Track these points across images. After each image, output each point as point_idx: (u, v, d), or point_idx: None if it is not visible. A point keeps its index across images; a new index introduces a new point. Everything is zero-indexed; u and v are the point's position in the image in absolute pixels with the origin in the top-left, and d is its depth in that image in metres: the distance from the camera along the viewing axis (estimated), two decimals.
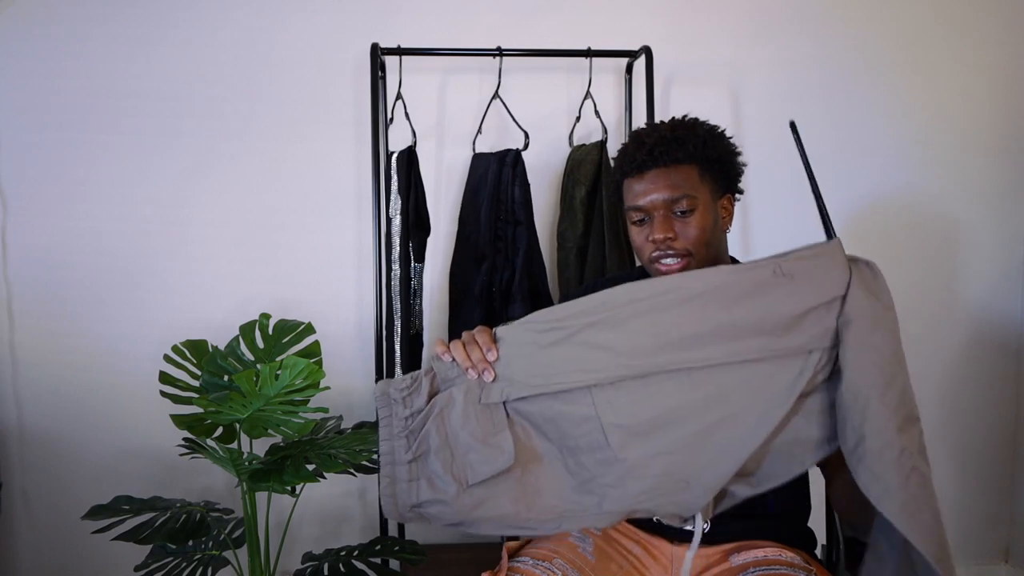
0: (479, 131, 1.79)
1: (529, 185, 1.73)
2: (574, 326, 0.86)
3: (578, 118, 1.82)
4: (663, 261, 1.10)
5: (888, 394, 0.78)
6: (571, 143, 1.84)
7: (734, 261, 1.22)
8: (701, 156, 1.11)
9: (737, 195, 1.20)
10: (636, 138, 1.16)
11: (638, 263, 1.75)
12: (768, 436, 0.83)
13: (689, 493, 0.86)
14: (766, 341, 0.82)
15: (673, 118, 1.17)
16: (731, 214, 1.18)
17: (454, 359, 0.90)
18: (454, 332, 1.80)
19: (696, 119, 1.17)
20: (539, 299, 1.75)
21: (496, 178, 1.73)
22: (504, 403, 0.90)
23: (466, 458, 0.88)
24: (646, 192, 1.11)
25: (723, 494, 0.89)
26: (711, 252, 1.11)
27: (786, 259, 0.84)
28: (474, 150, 1.81)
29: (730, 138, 1.17)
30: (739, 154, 1.18)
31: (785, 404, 0.82)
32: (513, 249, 1.73)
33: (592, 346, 0.85)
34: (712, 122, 1.17)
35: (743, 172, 1.19)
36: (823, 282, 0.82)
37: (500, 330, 0.91)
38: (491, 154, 1.77)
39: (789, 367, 0.82)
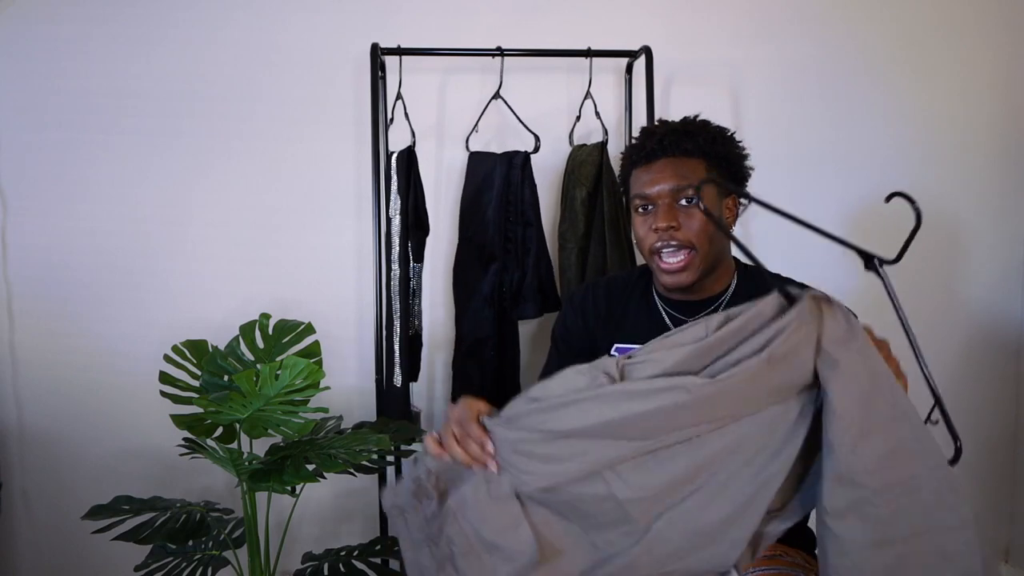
0: (475, 129, 1.79)
1: (536, 186, 1.74)
2: (563, 428, 0.82)
3: (578, 118, 1.82)
4: (664, 254, 1.10)
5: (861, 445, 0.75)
6: (571, 143, 1.85)
7: (737, 264, 1.22)
8: (710, 151, 1.12)
9: (743, 200, 1.19)
10: (646, 131, 1.17)
11: (639, 261, 1.75)
12: (788, 474, 0.80)
13: (716, 548, 0.82)
14: (772, 398, 0.80)
15: (684, 116, 1.18)
16: (735, 216, 1.18)
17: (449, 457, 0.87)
18: (460, 333, 1.80)
19: (707, 120, 1.17)
20: (547, 299, 1.75)
21: (504, 179, 1.73)
22: (516, 495, 0.85)
23: (492, 558, 0.84)
24: (653, 181, 1.11)
25: (758, 538, 0.84)
26: (714, 249, 1.12)
27: (778, 341, 0.78)
28: (468, 149, 1.81)
29: (739, 141, 1.17)
30: (747, 157, 1.18)
31: (798, 438, 0.79)
32: (523, 250, 1.73)
33: (590, 437, 0.81)
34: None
35: (749, 176, 1.19)
36: (806, 348, 0.79)
37: (488, 423, 0.86)
38: (495, 154, 1.77)
39: (794, 405, 0.80)
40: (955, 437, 0.84)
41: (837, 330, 0.79)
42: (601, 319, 1.23)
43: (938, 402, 0.87)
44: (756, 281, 1.18)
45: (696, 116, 1.18)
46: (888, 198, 0.86)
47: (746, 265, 1.23)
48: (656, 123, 1.19)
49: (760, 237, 1.99)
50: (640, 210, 1.14)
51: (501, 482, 0.84)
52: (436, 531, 0.87)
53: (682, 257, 1.10)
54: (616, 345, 1.20)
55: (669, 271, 1.11)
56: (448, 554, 0.86)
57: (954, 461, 0.83)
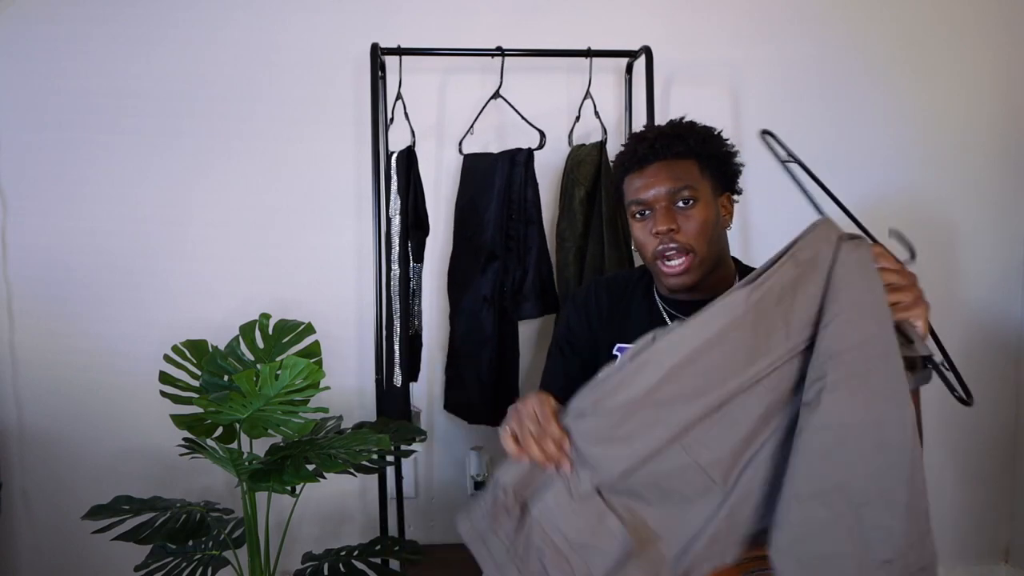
0: (469, 131, 1.79)
1: (538, 184, 1.74)
2: (631, 398, 0.84)
3: (577, 118, 1.82)
4: (667, 258, 1.11)
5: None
6: (570, 143, 1.84)
7: (736, 263, 1.23)
8: (701, 151, 1.13)
9: (736, 195, 1.21)
10: (636, 136, 1.18)
11: (637, 261, 1.75)
12: None
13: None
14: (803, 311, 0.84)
15: (671, 120, 1.19)
16: (731, 213, 1.19)
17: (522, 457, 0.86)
18: (455, 333, 1.80)
19: (693, 121, 1.18)
20: (548, 298, 1.75)
21: (507, 178, 1.73)
22: (598, 490, 0.86)
23: (584, 559, 0.84)
24: (648, 185, 1.12)
25: None
26: (713, 250, 1.12)
27: (797, 247, 0.86)
28: (461, 151, 1.82)
29: (727, 139, 1.18)
30: (736, 153, 1.19)
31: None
32: (525, 248, 1.73)
33: (659, 404, 0.83)
34: (709, 124, 1.19)
35: (741, 172, 1.20)
36: (820, 259, 0.85)
37: (564, 420, 0.87)
38: (494, 154, 1.77)
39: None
40: (963, 386, 0.89)
41: (849, 256, 0.85)
42: (603, 319, 1.23)
43: (945, 357, 0.91)
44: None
45: (682, 118, 1.19)
46: (890, 233, 0.91)
47: (746, 266, 1.24)
48: (644, 128, 1.21)
49: (760, 236, 1.99)
50: (638, 216, 1.15)
51: (581, 479, 0.85)
52: (522, 549, 0.86)
53: (683, 260, 1.11)
54: (618, 345, 1.20)
55: (672, 274, 1.12)
56: (539, 568, 0.85)
57: (968, 402, 0.88)
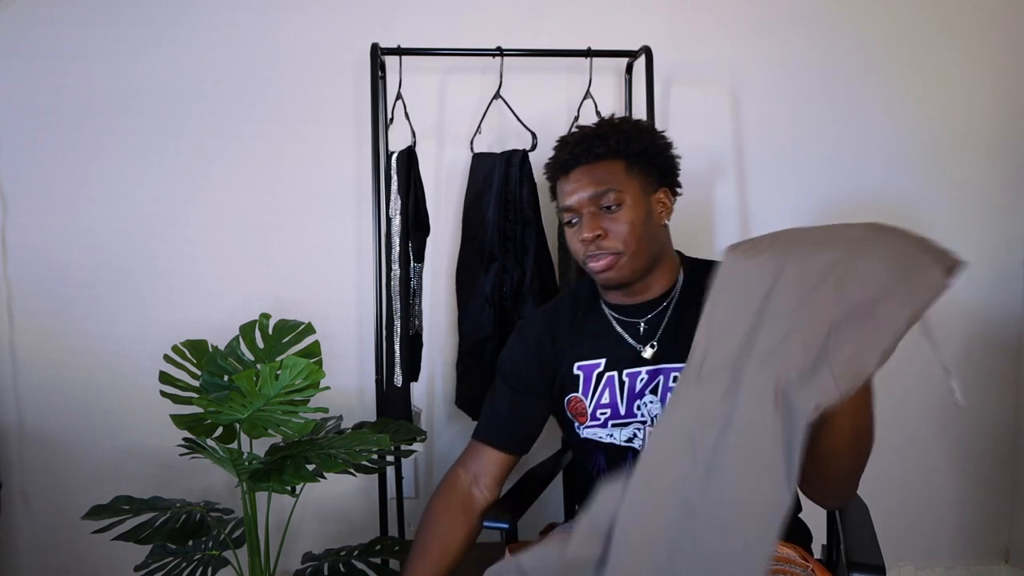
0: (478, 131, 1.79)
1: (536, 185, 1.74)
2: None
3: (576, 118, 1.82)
4: (594, 259, 1.11)
5: None
6: None
7: (682, 257, 1.21)
8: (626, 150, 1.11)
9: (678, 189, 1.19)
10: (560, 141, 1.17)
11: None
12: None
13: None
14: None
15: (601, 118, 1.18)
16: (669, 208, 1.17)
17: None
18: (462, 333, 1.80)
19: (624, 116, 1.17)
20: (549, 297, 1.75)
21: (503, 179, 1.73)
22: None
23: None
24: (573, 191, 1.11)
25: None
26: (644, 248, 1.11)
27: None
28: (472, 150, 1.81)
29: (661, 132, 1.17)
30: (670, 146, 1.17)
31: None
32: (522, 249, 1.73)
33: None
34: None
35: (677, 164, 1.18)
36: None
37: None
38: (495, 154, 1.77)
39: None
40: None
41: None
42: (557, 345, 1.21)
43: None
44: (705, 278, 1.17)
45: (611, 116, 1.18)
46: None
47: (694, 260, 1.22)
48: (574, 129, 1.19)
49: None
50: (569, 223, 1.14)
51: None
52: None
53: (607, 261, 1.10)
54: (577, 364, 1.19)
55: (598, 270, 1.12)
56: None
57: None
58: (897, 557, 2.04)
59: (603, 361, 1.17)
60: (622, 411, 1.15)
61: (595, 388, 1.17)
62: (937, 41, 1.98)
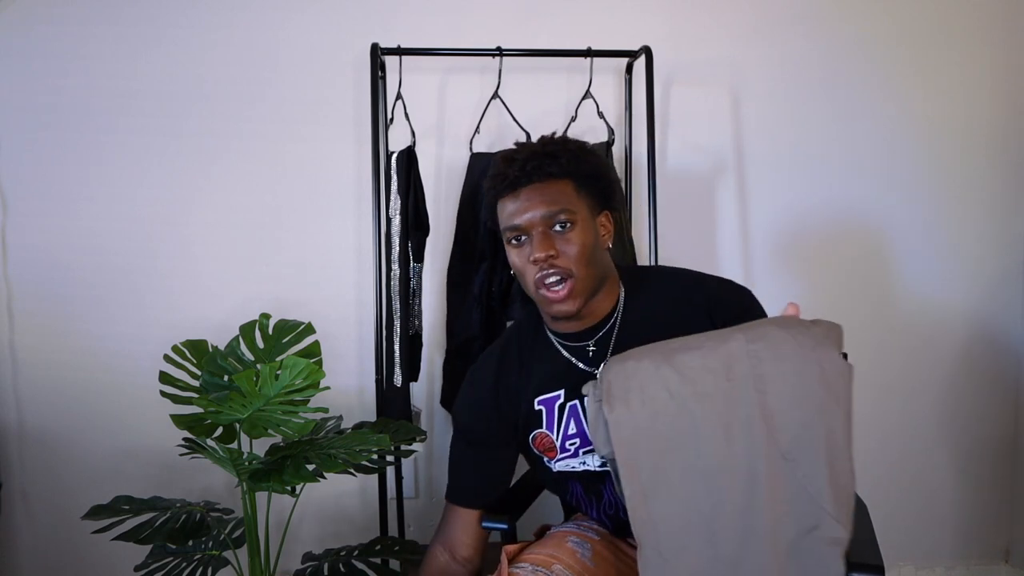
0: (476, 131, 1.79)
1: None
2: None
3: (573, 118, 1.82)
4: (548, 284, 1.06)
5: None
6: None
7: (622, 275, 1.19)
8: (575, 171, 1.08)
9: (614, 211, 1.16)
10: (506, 157, 1.12)
11: (638, 260, 1.72)
12: None
13: None
14: None
15: (542, 136, 1.15)
16: (611, 232, 1.14)
17: None
18: (451, 333, 1.80)
19: (565, 136, 1.15)
20: None
21: None
22: None
23: None
24: (523, 210, 1.06)
25: None
26: (592, 271, 1.08)
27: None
28: (471, 150, 1.81)
29: (599, 155, 1.16)
30: (611, 169, 1.16)
31: None
32: None
33: None
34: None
35: (617, 188, 1.17)
36: None
37: None
38: (491, 154, 1.77)
39: None
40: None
41: None
42: (512, 388, 1.18)
43: None
44: (645, 290, 1.15)
45: (553, 134, 1.15)
46: None
47: (631, 273, 1.19)
48: (514, 147, 1.15)
49: (760, 235, 1.99)
50: (513, 242, 1.09)
51: None
52: None
53: (565, 286, 1.06)
54: (538, 399, 1.16)
55: (556, 300, 1.06)
56: None
57: None
58: (897, 557, 2.04)
59: (562, 392, 1.14)
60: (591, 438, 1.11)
61: (559, 420, 1.14)
62: (937, 41, 1.98)
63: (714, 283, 1.15)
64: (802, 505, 0.87)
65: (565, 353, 1.15)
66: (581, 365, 1.14)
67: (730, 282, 1.16)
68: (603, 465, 1.10)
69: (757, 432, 0.88)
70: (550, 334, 1.18)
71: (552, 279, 1.05)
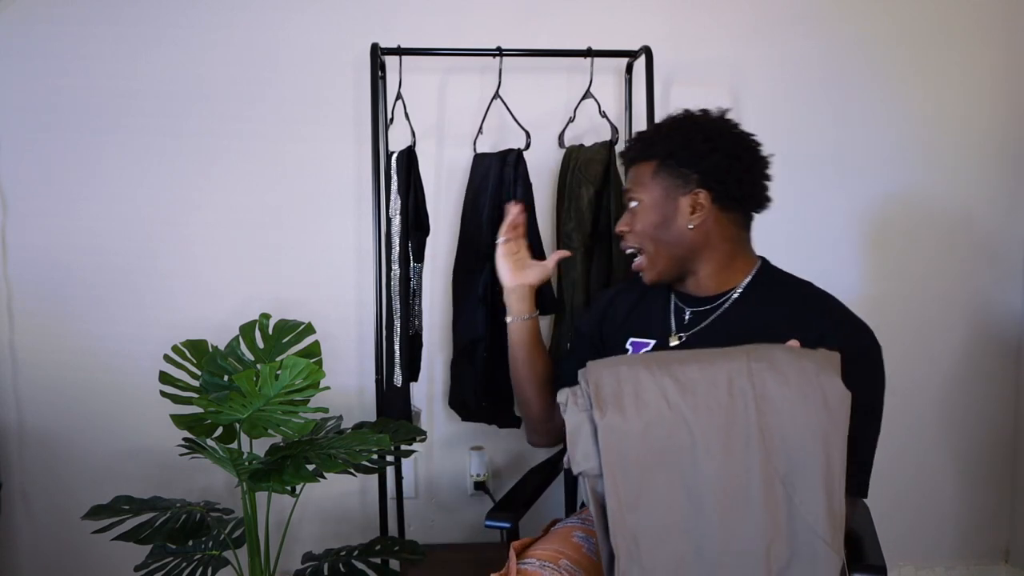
0: (480, 131, 1.79)
1: (531, 185, 1.73)
2: None
3: (572, 118, 1.82)
4: (629, 254, 1.20)
5: None
6: (561, 144, 1.84)
7: (763, 264, 1.19)
8: (660, 150, 1.15)
9: (711, 189, 1.13)
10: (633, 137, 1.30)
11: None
12: None
13: None
14: None
15: (671, 115, 1.22)
16: (704, 208, 1.13)
17: None
18: (457, 332, 1.80)
19: (685, 112, 1.20)
20: (543, 299, 1.74)
21: (498, 178, 1.72)
22: None
23: None
24: (624, 188, 1.22)
25: None
26: (663, 248, 1.15)
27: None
28: (475, 150, 1.81)
29: (705, 124, 1.17)
30: (715, 148, 1.14)
31: None
32: None
33: None
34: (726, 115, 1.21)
35: (725, 166, 1.14)
36: None
37: None
38: (492, 154, 1.77)
39: None
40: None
41: None
42: (619, 319, 1.26)
43: None
44: (774, 289, 1.15)
45: (685, 111, 1.21)
46: None
47: (774, 272, 1.19)
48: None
49: (760, 236, 1.99)
50: None
51: None
52: None
53: (640, 260, 1.18)
54: (631, 339, 1.22)
55: (636, 268, 1.20)
56: None
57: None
58: (897, 557, 2.04)
59: (652, 343, 1.19)
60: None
61: None
62: (937, 41, 1.98)
63: (849, 326, 1.07)
64: (798, 532, 0.85)
65: (672, 312, 1.21)
66: (672, 323, 1.19)
67: (866, 330, 1.07)
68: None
69: (755, 452, 0.86)
70: (672, 290, 1.23)
71: (630, 250, 1.19)
